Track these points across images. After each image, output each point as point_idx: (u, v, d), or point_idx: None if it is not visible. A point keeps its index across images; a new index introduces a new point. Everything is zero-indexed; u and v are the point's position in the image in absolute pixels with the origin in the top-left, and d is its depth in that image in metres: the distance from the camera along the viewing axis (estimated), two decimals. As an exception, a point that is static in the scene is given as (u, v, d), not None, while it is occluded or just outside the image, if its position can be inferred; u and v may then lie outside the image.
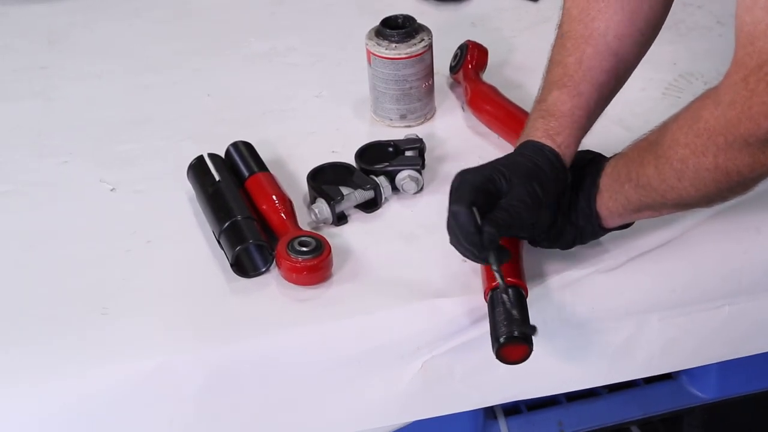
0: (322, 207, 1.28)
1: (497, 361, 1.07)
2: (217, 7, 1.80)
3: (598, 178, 1.12)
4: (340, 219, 1.29)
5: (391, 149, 1.37)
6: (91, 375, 1.11)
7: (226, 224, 1.23)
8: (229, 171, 1.33)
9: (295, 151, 1.41)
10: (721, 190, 1.02)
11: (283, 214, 1.26)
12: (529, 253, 1.19)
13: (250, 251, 1.23)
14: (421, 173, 1.33)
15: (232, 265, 1.20)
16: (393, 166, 1.33)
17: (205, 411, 1.14)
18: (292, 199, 1.29)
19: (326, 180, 1.32)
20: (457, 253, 1.12)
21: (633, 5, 1.15)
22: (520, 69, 1.54)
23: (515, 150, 1.16)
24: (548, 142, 1.14)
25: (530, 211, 1.09)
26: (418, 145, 1.36)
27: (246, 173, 1.32)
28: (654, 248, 1.20)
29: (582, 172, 1.15)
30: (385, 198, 1.32)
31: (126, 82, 1.61)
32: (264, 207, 1.27)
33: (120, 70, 1.64)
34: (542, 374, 1.19)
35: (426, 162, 1.36)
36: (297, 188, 1.33)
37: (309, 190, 1.32)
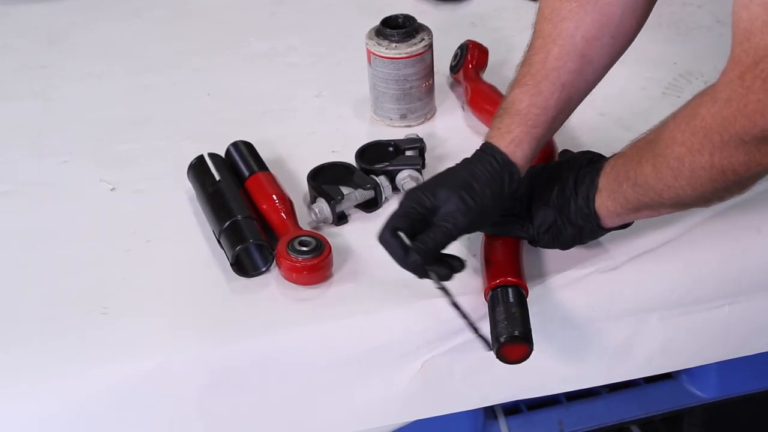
0: (322, 207, 1.28)
1: (497, 360, 1.07)
2: (217, 7, 1.80)
3: (597, 177, 1.12)
4: (341, 219, 1.29)
5: (391, 149, 1.37)
6: (91, 375, 1.11)
7: (227, 224, 1.23)
8: (230, 171, 1.33)
9: (295, 150, 1.41)
10: (718, 190, 1.02)
11: (283, 214, 1.26)
12: (529, 253, 1.19)
13: (250, 251, 1.23)
14: (421, 173, 1.33)
15: (232, 265, 1.20)
16: (393, 166, 1.33)
17: (205, 411, 1.14)
18: (292, 198, 1.29)
19: (326, 180, 1.32)
20: (457, 252, 1.13)
21: (605, 9, 1.13)
22: (521, 69, 1.54)
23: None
24: (496, 141, 1.13)
25: (466, 218, 1.09)
26: (418, 144, 1.36)
27: (246, 173, 1.32)
28: (654, 248, 1.20)
29: (582, 172, 1.15)
30: (386, 198, 1.32)
31: (126, 82, 1.61)
32: (264, 207, 1.27)
33: (120, 70, 1.64)
34: (542, 374, 1.19)
35: (426, 161, 1.36)
36: (297, 188, 1.33)
37: (309, 189, 1.32)
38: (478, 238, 1.20)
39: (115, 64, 1.66)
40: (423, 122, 1.47)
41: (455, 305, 1.09)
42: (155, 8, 1.80)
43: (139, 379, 1.11)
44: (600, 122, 1.38)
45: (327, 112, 1.51)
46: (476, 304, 1.14)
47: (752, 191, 1.07)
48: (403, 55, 1.41)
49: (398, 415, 1.20)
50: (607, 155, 1.15)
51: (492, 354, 1.07)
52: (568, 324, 1.18)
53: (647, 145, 1.06)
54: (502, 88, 1.44)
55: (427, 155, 1.36)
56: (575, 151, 1.25)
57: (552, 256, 1.19)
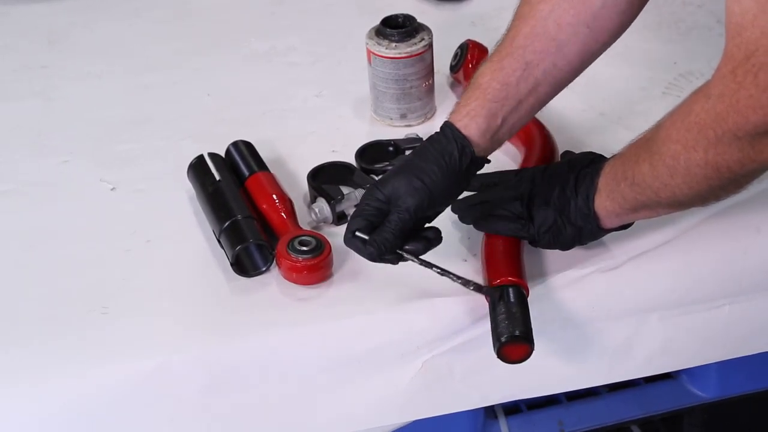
0: (322, 206, 1.28)
1: (497, 360, 1.07)
2: (217, 7, 1.80)
3: (597, 178, 1.12)
4: (341, 218, 1.29)
5: (391, 148, 1.37)
6: (91, 375, 1.11)
7: (227, 224, 1.23)
8: (230, 170, 1.33)
9: (295, 150, 1.41)
10: (713, 188, 1.02)
11: (283, 214, 1.26)
12: (529, 253, 1.19)
13: (250, 251, 1.23)
14: (421, 173, 1.33)
15: (232, 265, 1.20)
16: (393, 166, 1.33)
17: (205, 411, 1.14)
18: (292, 198, 1.29)
19: (326, 179, 1.32)
20: (458, 252, 1.13)
21: None
22: (520, 68, 1.53)
23: None
24: (452, 116, 1.14)
25: (414, 199, 1.10)
26: (418, 144, 1.35)
27: (246, 173, 1.32)
28: (654, 248, 1.20)
29: (582, 172, 1.15)
30: (386, 197, 1.32)
31: (126, 82, 1.61)
32: (264, 206, 1.27)
33: (120, 70, 1.64)
34: (542, 373, 1.19)
35: (426, 161, 1.35)
36: (297, 188, 1.33)
37: (309, 189, 1.32)
38: (478, 238, 1.20)
39: (115, 64, 1.66)
40: (423, 122, 1.47)
41: (445, 272, 1.11)
42: (155, 8, 1.80)
43: (139, 379, 1.11)
44: (600, 122, 1.38)
45: (327, 112, 1.51)
46: (477, 303, 1.14)
47: (752, 191, 1.07)
48: (403, 55, 1.41)
49: (398, 415, 1.20)
50: (608, 155, 1.15)
51: (492, 354, 1.07)
52: (568, 324, 1.18)
53: (644, 144, 1.06)
54: (502, 88, 1.45)
55: (427, 155, 1.36)
56: (576, 151, 1.25)
57: (552, 256, 1.19)
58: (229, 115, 1.51)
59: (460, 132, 1.12)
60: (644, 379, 1.44)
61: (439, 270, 1.12)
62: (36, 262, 1.27)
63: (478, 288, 1.11)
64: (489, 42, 1.51)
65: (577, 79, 1.18)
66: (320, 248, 1.19)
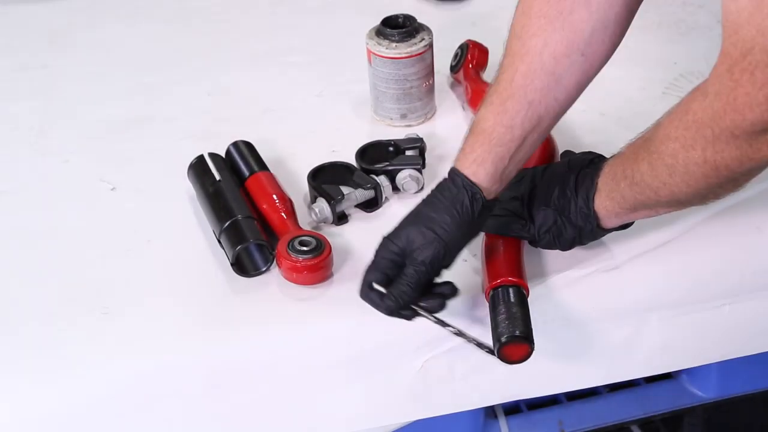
0: (322, 206, 1.28)
1: (497, 360, 1.07)
2: (217, 7, 1.80)
3: (597, 177, 1.12)
4: (341, 218, 1.29)
5: (391, 149, 1.37)
6: (92, 375, 1.11)
7: (227, 223, 1.23)
8: (230, 170, 1.33)
9: (295, 150, 1.41)
10: (712, 186, 1.02)
11: (283, 214, 1.26)
12: (529, 253, 1.19)
13: (250, 250, 1.23)
14: (421, 172, 1.33)
15: (232, 265, 1.20)
16: (393, 166, 1.33)
17: (205, 411, 1.14)
18: (292, 198, 1.29)
19: (326, 179, 1.32)
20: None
21: (574, 25, 1.10)
22: (521, 68, 1.53)
23: None
24: (459, 164, 1.12)
25: (429, 251, 1.08)
26: (418, 144, 1.36)
27: (246, 172, 1.32)
28: (654, 248, 1.20)
29: (583, 172, 1.15)
30: (386, 197, 1.32)
31: (126, 81, 1.61)
32: (264, 206, 1.27)
33: (120, 70, 1.64)
34: (542, 374, 1.19)
35: (426, 161, 1.36)
36: (297, 188, 1.33)
37: (309, 189, 1.32)
38: (478, 238, 1.20)
39: (115, 64, 1.66)
40: (423, 122, 1.47)
41: (460, 333, 1.09)
42: (155, 8, 1.80)
43: (139, 379, 1.12)
44: (600, 122, 1.38)
45: (327, 111, 1.51)
46: (477, 303, 1.14)
47: (752, 191, 1.08)
48: (404, 55, 1.41)
49: (398, 415, 1.21)
50: (608, 155, 1.15)
51: (492, 354, 1.07)
52: (568, 324, 1.18)
53: (644, 143, 1.06)
54: (503, 88, 1.45)
55: (427, 155, 1.36)
56: (577, 151, 1.25)
57: (552, 256, 1.19)
58: (229, 115, 1.51)
59: (469, 179, 1.10)
60: (644, 379, 1.44)
61: (454, 330, 1.10)
62: (36, 262, 1.27)
63: (491, 351, 1.08)
64: (489, 42, 1.52)
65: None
66: (320, 248, 1.19)
